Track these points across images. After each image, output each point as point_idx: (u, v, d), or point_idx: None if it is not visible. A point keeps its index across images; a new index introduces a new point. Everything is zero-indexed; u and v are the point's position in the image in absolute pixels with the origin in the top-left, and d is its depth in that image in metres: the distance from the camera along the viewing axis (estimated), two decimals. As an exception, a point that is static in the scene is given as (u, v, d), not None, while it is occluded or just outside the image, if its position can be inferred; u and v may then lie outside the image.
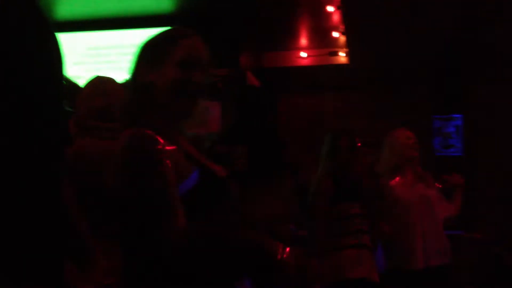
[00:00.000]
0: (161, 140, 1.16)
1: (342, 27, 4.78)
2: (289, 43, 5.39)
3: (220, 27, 4.31)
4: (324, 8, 4.49)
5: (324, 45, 5.27)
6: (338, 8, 4.43)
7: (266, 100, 3.35)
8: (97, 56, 4.91)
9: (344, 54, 5.24)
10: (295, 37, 5.31)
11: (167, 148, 1.17)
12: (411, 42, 4.65)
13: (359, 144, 2.86)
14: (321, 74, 5.54)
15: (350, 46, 4.96)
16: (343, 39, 5.01)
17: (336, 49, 5.25)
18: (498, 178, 4.80)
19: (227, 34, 4.43)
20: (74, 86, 1.92)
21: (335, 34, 5.03)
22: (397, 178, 2.91)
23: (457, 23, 4.27)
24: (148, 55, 1.28)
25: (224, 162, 1.25)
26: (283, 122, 5.90)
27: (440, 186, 2.93)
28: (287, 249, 1.13)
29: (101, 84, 1.82)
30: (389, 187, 2.85)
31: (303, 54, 5.41)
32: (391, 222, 2.78)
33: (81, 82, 1.96)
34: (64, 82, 1.94)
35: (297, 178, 4.93)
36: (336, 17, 4.77)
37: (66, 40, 5.13)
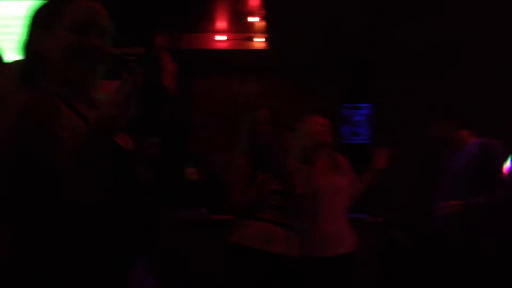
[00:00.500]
0: (58, 103, 1.11)
1: (262, 12, 4.78)
2: (208, 26, 5.29)
3: (136, 4, 4.12)
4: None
5: (243, 29, 5.24)
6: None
7: (167, 92, 3.24)
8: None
9: (263, 39, 5.25)
10: (214, 19, 5.22)
11: (65, 112, 1.12)
12: (328, 33, 4.77)
13: (280, 125, 2.78)
14: (239, 58, 5.51)
15: (270, 32, 4.98)
16: (262, 24, 5.02)
17: (255, 34, 5.24)
18: (401, 165, 5.11)
19: (143, 13, 4.25)
20: None
21: (254, 19, 5.01)
22: (310, 164, 2.91)
23: (372, 18, 4.44)
24: (39, 20, 1.21)
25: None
26: (199, 106, 5.82)
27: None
28: None
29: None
30: (301, 173, 2.84)
31: (222, 38, 5.35)
32: (301, 208, 2.77)
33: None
34: None
35: (206, 166, 4.90)
36: (255, 2, 4.76)
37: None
